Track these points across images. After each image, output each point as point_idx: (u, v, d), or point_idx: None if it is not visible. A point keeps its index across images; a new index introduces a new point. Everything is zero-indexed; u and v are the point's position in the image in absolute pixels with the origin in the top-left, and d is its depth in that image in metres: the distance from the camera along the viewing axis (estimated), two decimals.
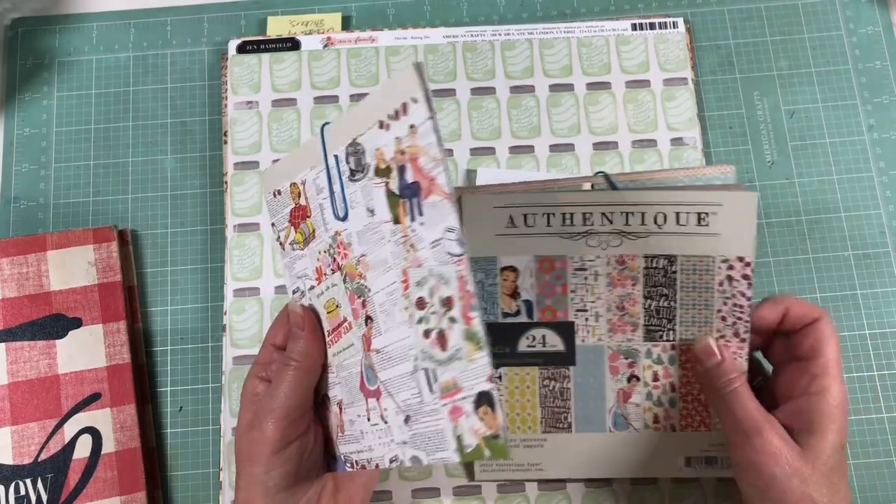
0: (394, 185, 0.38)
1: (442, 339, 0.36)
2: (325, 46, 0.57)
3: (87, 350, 0.51)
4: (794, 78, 0.57)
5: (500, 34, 0.57)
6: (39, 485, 0.48)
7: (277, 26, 0.59)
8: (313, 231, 0.43)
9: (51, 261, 0.52)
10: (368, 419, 0.40)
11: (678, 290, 0.46)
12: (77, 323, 0.51)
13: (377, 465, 0.40)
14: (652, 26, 0.57)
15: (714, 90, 0.57)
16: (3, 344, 0.50)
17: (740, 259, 0.45)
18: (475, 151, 0.55)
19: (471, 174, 0.54)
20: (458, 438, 0.36)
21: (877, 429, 0.51)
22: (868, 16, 0.59)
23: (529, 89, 0.56)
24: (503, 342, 0.47)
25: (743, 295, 0.45)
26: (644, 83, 0.56)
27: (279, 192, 0.44)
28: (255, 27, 0.59)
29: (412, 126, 0.36)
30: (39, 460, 0.49)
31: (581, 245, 0.46)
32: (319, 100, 0.56)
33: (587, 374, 0.47)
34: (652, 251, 0.46)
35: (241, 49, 0.57)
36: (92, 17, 0.60)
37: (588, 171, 0.55)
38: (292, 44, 0.57)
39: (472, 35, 0.57)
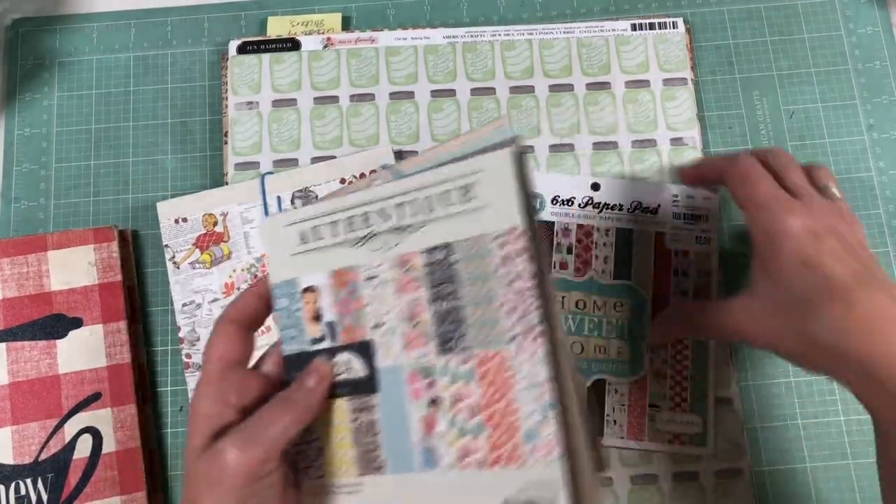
0: None
1: None
2: (325, 47, 0.57)
3: (87, 350, 0.51)
4: (793, 78, 0.57)
5: (500, 34, 0.57)
6: (40, 484, 0.49)
7: (277, 26, 0.59)
8: (229, 253, 0.53)
9: (51, 261, 0.52)
10: None
11: (461, 284, 0.37)
12: (77, 323, 0.51)
13: None
14: (652, 26, 0.57)
15: (714, 90, 0.57)
16: (4, 344, 0.50)
17: (512, 230, 0.36)
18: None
19: None
20: None
21: None
22: (868, 16, 0.59)
23: (529, 89, 0.56)
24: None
25: (523, 275, 0.35)
26: (644, 83, 0.56)
27: (183, 220, 0.53)
28: (256, 27, 0.59)
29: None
30: (40, 460, 0.49)
31: (366, 251, 0.40)
32: (319, 100, 0.56)
33: (390, 401, 0.39)
34: (428, 244, 0.38)
35: (242, 49, 0.57)
36: (92, 17, 0.60)
37: (587, 171, 0.55)
38: (292, 44, 0.57)
39: (472, 35, 0.57)
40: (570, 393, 0.34)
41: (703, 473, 0.50)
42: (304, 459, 0.40)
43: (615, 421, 0.50)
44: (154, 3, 0.60)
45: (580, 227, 0.53)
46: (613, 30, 0.57)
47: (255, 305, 0.40)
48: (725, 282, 0.53)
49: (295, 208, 0.53)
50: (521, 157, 0.36)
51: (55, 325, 0.51)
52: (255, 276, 0.52)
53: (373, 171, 0.54)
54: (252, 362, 0.40)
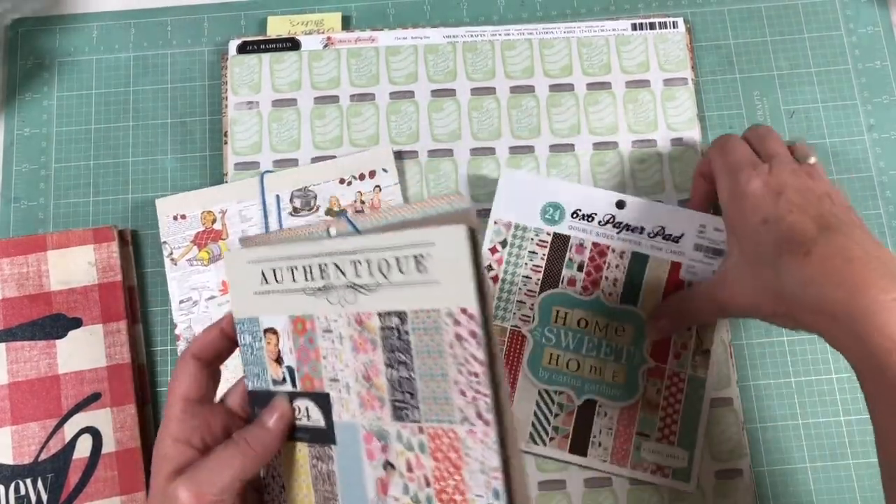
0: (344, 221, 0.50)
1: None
2: (326, 46, 0.57)
3: (87, 350, 0.51)
4: (794, 78, 0.57)
5: (500, 34, 0.57)
6: (39, 484, 0.49)
7: (277, 26, 0.59)
8: (227, 250, 0.53)
9: (51, 261, 0.52)
10: None
11: (415, 356, 0.36)
12: (77, 323, 0.51)
13: None
14: (652, 26, 0.57)
15: (714, 90, 0.57)
16: (4, 344, 0.50)
17: (463, 311, 0.33)
18: (475, 152, 0.55)
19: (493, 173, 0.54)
20: None
21: None
22: (868, 16, 0.59)
23: (529, 89, 0.56)
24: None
25: (475, 359, 0.33)
26: (644, 83, 0.56)
27: (182, 217, 0.53)
28: (256, 27, 0.59)
29: (377, 186, 0.54)
30: (39, 460, 0.49)
31: (323, 302, 0.38)
32: (320, 100, 0.56)
33: (347, 456, 0.38)
34: (384, 307, 0.36)
35: (242, 49, 0.57)
36: (92, 17, 0.60)
37: (588, 171, 0.55)
38: (292, 44, 0.57)
39: (472, 35, 0.57)
40: (518, 477, 0.33)
41: (703, 474, 0.50)
42: (269, 493, 0.41)
43: (600, 443, 0.49)
44: (154, 3, 0.60)
45: (595, 245, 0.52)
46: (614, 29, 0.57)
47: (219, 341, 0.40)
48: (732, 322, 0.53)
49: (295, 206, 0.53)
50: (475, 235, 0.33)
51: (55, 325, 0.51)
52: None
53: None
54: (220, 395, 0.41)
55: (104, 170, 0.56)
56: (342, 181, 0.54)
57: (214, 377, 0.40)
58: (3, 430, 0.49)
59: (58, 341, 0.51)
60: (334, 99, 0.56)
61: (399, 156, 0.55)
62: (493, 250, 0.52)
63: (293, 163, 0.55)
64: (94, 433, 0.49)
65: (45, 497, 0.48)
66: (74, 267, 0.52)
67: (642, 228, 0.52)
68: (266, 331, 0.40)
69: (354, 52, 0.57)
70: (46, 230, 0.55)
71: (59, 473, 0.49)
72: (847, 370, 0.52)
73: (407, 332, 0.36)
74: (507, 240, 0.52)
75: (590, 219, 0.52)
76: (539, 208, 0.52)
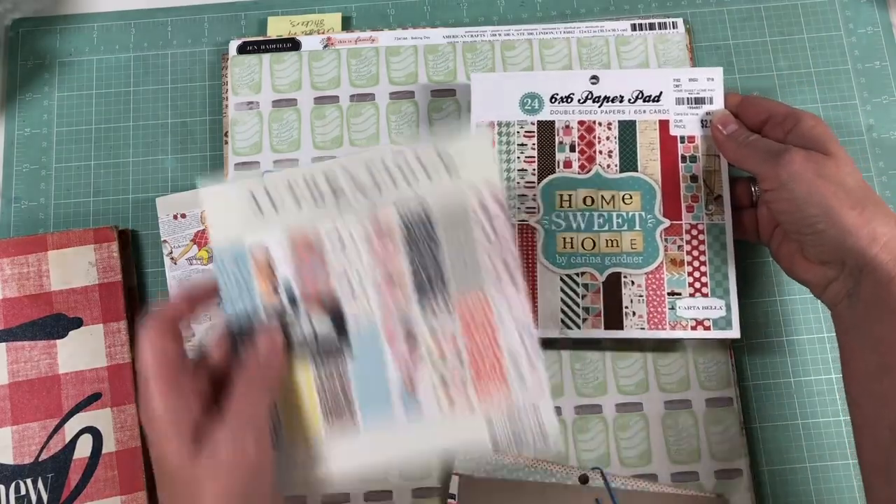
0: None
1: None
2: (326, 47, 0.57)
3: (87, 350, 0.51)
4: (793, 78, 0.57)
5: (500, 34, 0.57)
6: (40, 484, 0.49)
7: (278, 26, 0.59)
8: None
9: (51, 261, 0.52)
10: None
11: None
12: (77, 323, 0.51)
13: None
14: (652, 27, 0.57)
15: None
16: (4, 344, 0.50)
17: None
18: None
19: None
20: None
21: None
22: (867, 16, 0.59)
23: None
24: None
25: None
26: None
27: (182, 216, 0.53)
28: (256, 27, 0.59)
29: None
30: (40, 460, 0.49)
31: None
32: (320, 100, 0.56)
33: (365, 361, 0.40)
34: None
35: (242, 49, 0.57)
36: (92, 17, 0.60)
37: None
38: (292, 44, 0.57)
39: (472, 35, 0.57)
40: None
41: (703, 473, 0.50)
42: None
43: (634, 312, 0.50)
44: (154, 3, 0.60)
45: (581, 123, 0.52)
46: (613, 30, 0.57)
47: (179, 305, 0.39)
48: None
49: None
50: None
51: (55, 325, 0.51)
52: None
53: None
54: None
55: (104, 170, 0.56)
56: None
57: (182, 335, 0.39)
58: (3, 430, 0.49)
59: (58, 341, 0.51)
60: (334, 99, 0.56)
61: None
62: None
63: (293, 163, 0.55)
64: (95, 433, 0.50)
65: (45, 497, 0.49)
66: (75, 267, 0.52)
67: (621, 97, 0.52)
68: (254, 247, 0.40)
69: (354, 52, 0.57)
70: (47, 230, 0.55)
71: (60, 473, 0.49)
72: None
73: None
74: (492, 139, 0.52)
75: (568, 100, 0.52)
76: (517, 101, 0.52)
